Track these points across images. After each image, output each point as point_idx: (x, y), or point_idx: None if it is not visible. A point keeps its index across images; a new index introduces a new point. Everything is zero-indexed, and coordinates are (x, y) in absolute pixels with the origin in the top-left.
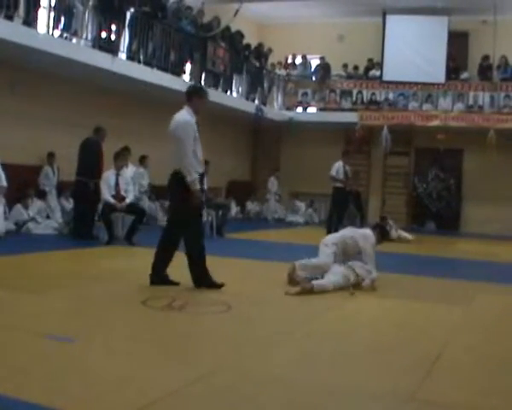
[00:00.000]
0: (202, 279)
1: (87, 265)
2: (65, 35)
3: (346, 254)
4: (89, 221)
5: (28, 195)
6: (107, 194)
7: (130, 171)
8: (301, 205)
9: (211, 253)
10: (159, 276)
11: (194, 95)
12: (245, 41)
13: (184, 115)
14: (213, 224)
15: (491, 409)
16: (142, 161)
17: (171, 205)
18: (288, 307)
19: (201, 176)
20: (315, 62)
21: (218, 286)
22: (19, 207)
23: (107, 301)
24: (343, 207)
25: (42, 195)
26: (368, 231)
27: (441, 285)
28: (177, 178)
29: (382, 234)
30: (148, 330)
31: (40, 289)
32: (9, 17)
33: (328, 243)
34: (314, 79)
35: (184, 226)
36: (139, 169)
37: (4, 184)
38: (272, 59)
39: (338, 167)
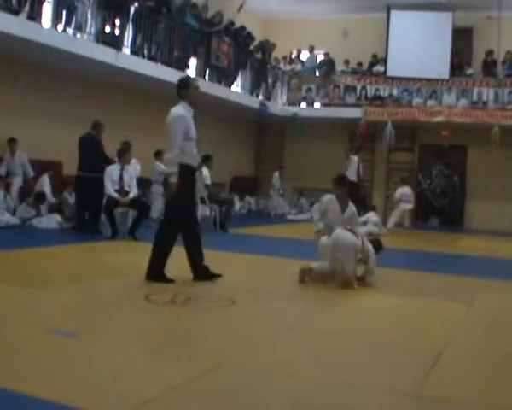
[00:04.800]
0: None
1: (90, 260)
2: (69, 30)
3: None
4: (95, 216)
5: (33, 193)
6: (110, 188)
7: (132, 165)
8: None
9: (214, 248)
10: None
11: (181, 89)
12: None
13: (177, 109)
14: (217, 219)
15: (496, 406)
16: (158, 155)
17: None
18: (292, 302)
19: (196, 170)
20: (319, 58)
21: (171, 281)
22: (24, 205)
23: (110, 295)
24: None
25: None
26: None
27: (445, 281)
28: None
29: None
30: (150, 326)
31: (43, 283)
32: (15, 12)
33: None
34: (318, 74)
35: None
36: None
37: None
38: (276, 54)
39: (355, 164)
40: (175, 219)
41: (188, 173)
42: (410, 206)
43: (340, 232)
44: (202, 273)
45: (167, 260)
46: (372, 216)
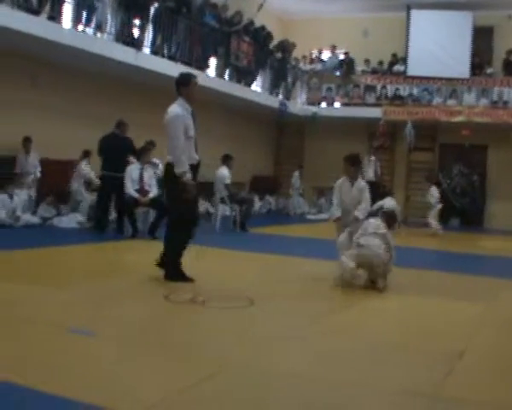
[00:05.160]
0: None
1: (111, 258)
2: (89, 29)
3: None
4: (120, 216)
5: (54, 192)
6: (130, 188)
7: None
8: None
9: (234, 247)
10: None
11: (180, 85)
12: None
13: (174, 108)
14: (237, 218)
15: None
16: None
17: (167, 198)
18: (310, 302)
19: (196, 167)
20: (341, 57)
21: (190, 280)
22: (44, 205)
23: (129, 294)
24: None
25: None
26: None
27: (465, 282)
28: (171, 170)
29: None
30: (169, 325)
31: (63, 282)
32: (35, 12)
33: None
34: (338, 73)
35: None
36: None
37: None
38: (296, 53)
39: (375, 164)
40: (181, 218)
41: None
42: (440, 205)
43: (366, 247)
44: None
45: (182, 259)
46: (389, 201)
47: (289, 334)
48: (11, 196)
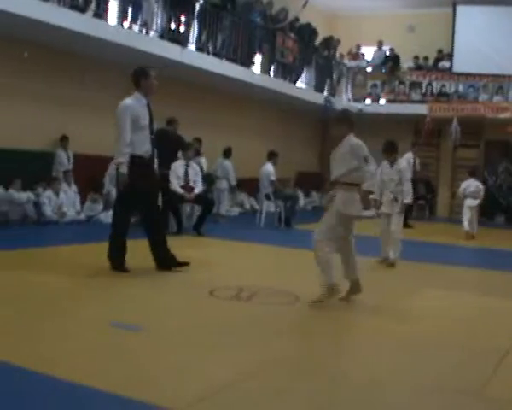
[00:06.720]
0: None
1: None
2: (135, 27)
3: None
4: (167, 212)
5: (97, 189)
6: (175, 184)
7: (201, 162)
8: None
9: (279, 244)
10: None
11: (140, 77)
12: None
13: (126, 100)
14: (282, 215)
15: None
16: (228, 153)
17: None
18: (353, 299)
19: (150, 160)
20: (387, 53)
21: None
22: (89, 203)
23: (174, 290)
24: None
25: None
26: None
27: (508, 279)
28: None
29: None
30: (214, 321)
31: (108, 277)
32: (81, 9)
33: None
34: (384, 70)
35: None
36: (224, 162)
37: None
38: (341, 50)
39: (409, 159)
40: (123, 211)
41: (138, 165)
42: (475, 202)
43: None
44: (168, 263)
45: (125, 253)
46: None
47: (337, 330)
48: (57, 193)
